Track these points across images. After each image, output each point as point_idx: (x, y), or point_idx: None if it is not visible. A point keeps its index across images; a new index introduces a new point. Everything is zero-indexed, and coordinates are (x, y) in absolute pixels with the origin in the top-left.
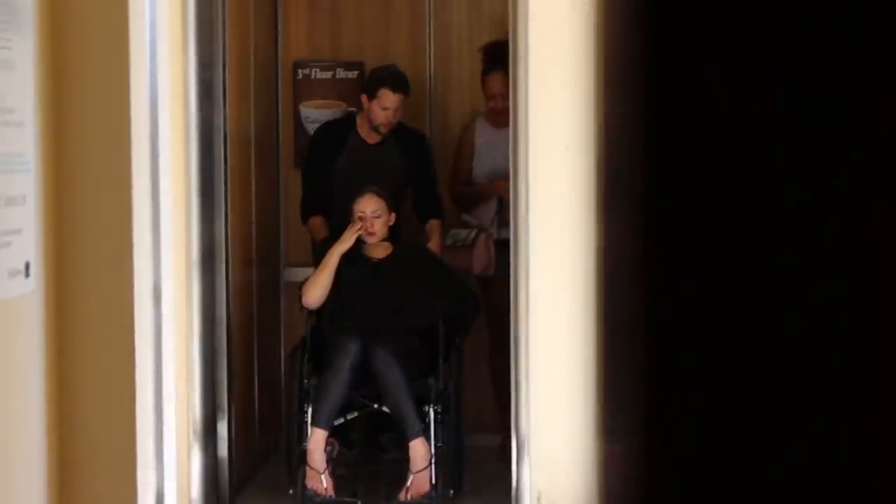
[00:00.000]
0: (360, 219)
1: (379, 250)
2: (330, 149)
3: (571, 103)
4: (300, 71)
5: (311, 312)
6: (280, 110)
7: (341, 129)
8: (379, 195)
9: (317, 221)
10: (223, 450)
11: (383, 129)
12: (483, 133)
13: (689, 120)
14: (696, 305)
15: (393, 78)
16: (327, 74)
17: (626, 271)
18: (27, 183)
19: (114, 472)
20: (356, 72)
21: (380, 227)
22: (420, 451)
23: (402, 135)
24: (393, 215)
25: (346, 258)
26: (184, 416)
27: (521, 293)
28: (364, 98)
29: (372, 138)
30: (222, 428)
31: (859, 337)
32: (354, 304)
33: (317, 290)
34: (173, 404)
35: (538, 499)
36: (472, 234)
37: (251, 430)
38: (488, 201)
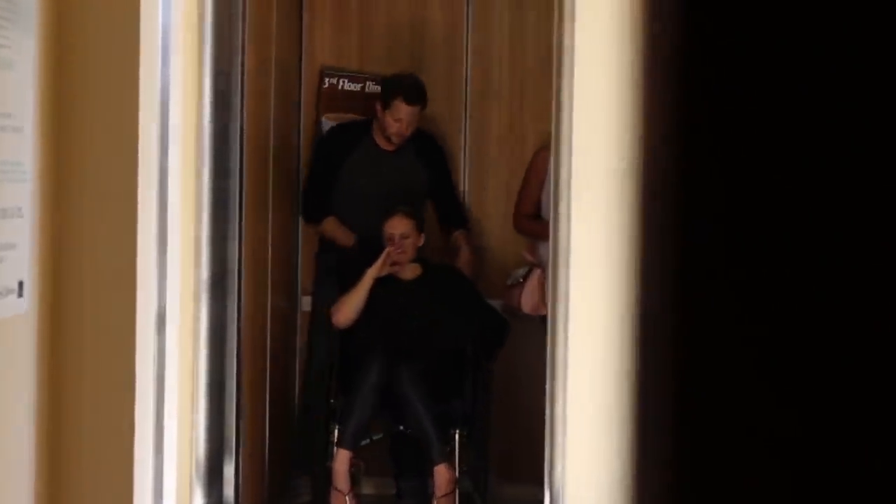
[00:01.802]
0: (390, 240)
1: (408, 271)
2: (342, 149)
3: (615, 123)
4: (327, 79)
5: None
6: (302, 121)
7: (356, 131)
8: (408, 216)
9: (333, 223)
10: (229, 493)
11: (395, 140)
12: None
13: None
14: (745, 354)
15: (408, 89)
16: (356, 86)
17: (668, 319)
18: (24, 194)
19: None
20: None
21: (409, 249)
22: (444, 475)
23: (419, 141)
24: (422, 236)
25: (377, 279)
26: (186, 455)
27: (559, 330)
28: (378, 107)
29: (386, 145)
30: (228, 469)
31: None
32: (383, 324)
33: (349, 311)
34: (175, 442)
35: None
36: (526, 271)
37: (260, 472)
38: None
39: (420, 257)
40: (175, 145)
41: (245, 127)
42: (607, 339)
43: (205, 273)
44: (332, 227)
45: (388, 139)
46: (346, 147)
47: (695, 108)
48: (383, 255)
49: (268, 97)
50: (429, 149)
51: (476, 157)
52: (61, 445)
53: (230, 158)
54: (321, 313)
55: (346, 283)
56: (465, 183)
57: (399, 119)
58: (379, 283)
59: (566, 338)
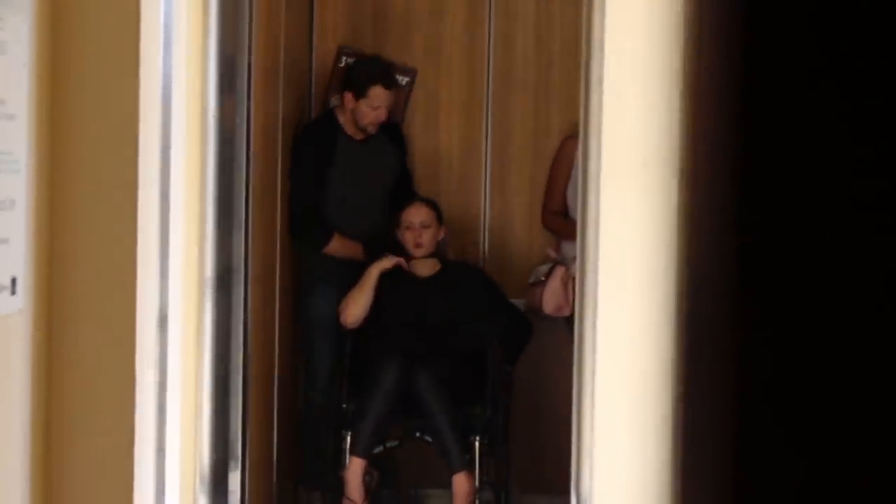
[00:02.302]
0: (408, 229)
1: (425, 268)
2: (322, 155)
3: (650, 114)
4: (344, 58)
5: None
6: (313, 111)
7: (326, 130)
8: (429, 205)
9: (339, 241)
10: (234, 503)
11: (371, 129)
12: None
13: (787, 129)
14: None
15: (385, 74)
16: None
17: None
18: (17, 186)
19: None
20: (407, 79)
21: (428, 238)
22: (463, 485)
23: (386, 126)
24: (442, 229)
25: (390, 276)
26: (190, 463)
27: (588, 332)
28: (349, 96)
29: (358, 135)
30: (234, 478)
31: None
32: (398, 325)
33: (356, 309)
34: (178, 449)
35: None
36: (549, 269)
37: (267, 481)
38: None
39: (438, 254)
40: (178, 134)
41: (252, 115)
42: (640, 341)
43: (209, 270)
44: (339, 247)
45: (363, 129)
46: (324, 151)
47: (735, 98)
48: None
49: (276, 84)
50: (398, 134)
51: (498, 149)
52: (57, 453)
53: (236, 148)
54: (320, 317)
55: (350, 283)
56: (486, 177)
57: (377, 107)
58: (393, 280)
59: (594, 339)
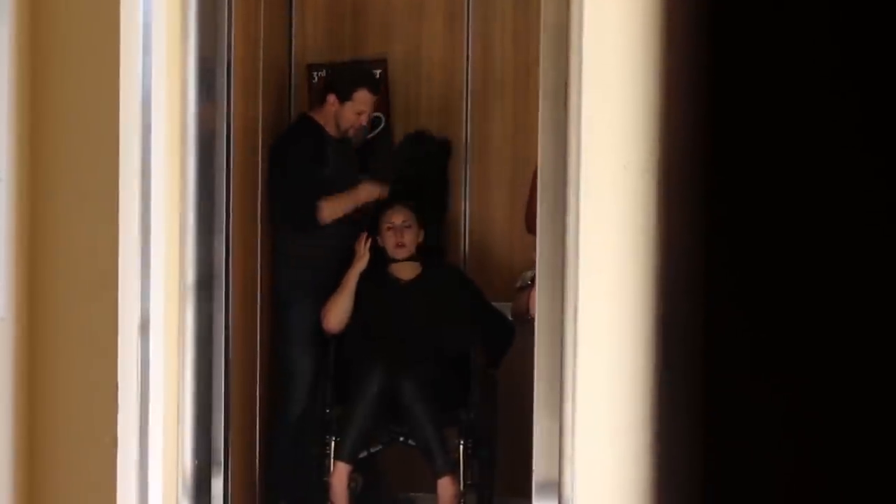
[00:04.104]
0: (389, 230)
1: (406, 271)
2: (314, 155)
3: (630, 117)
4: (315, 74)
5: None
6: (293, 117)
7: (311, 133)
8: (408, 206)
9: (334, 198)
10: None
11: (353, 133)
12: None
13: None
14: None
15: (369, 77)
16: None
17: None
18: None
19: None
20: (379, 70)
21: (410, 239)
22: (448, 489)
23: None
24: (422, 232)
25: (371, 280)
26: (172, 469)
27: (569, 335)
28: (333, 98)
29: (337, 135)
30: (217, 484)
31: None
32: (380, 329)
33: (338, 313)
34: (160, 454)
35: None
36: (535, 274)
37: (251, 487)
38: None
39: (419, 257)
40: (158, 141)
41: (232, 121)
42: (619, 343)
43: (190, 276)
44: (333, 205)
45: (343, 132)
46: (316, 152)
47: (717, 103)
48: (358, 244)
49: (256, 88)
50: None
51: (478, 151)
52: (40, 459)
53: (216, 155)
54: (300, 326)
55: (329, 291)
56: (466, 179)
57: (361, 111)
58: (374, 284)
59: (575, 342)
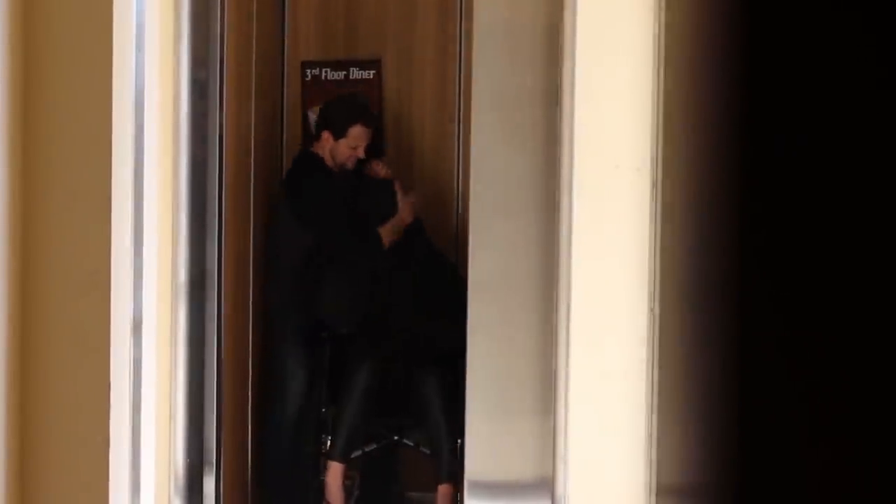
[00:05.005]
0: (354, 149)
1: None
2: (332, 191)
3: (622, 116)
4: (309, 71)
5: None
6: (286, 117)
7: (317, 169)
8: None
9: (388, 229)
10: None
11: (350, 165)
12: None
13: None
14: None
15: (365, 111)
16: (339, 75)
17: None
18: None
19: None
20: (373, 71)
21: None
22: (447, 497)
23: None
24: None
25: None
26: (165, 468)
27: (561, 331)
28: (328, 135)
29: (335, 168)
30: (209, 484)
31: None
32: (370, 325)
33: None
34: (153, 454)
35: None
36: None
37: (243, 486)
38: None
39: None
40: (151, 140)
41: (225, 119)
42: (612, 341)
43: (182, 275)
44: (389, 233)
45: (340, 165)
46: (332, 188)
47: (711, 99)
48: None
49: (249, 88)
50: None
51: (469, 148)
52: (32, 458)
53: (209, 153)
54: (293, 325)
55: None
56: (459, 178)
57: (357, 147)
58: (367, 277)
59: (567, 340)
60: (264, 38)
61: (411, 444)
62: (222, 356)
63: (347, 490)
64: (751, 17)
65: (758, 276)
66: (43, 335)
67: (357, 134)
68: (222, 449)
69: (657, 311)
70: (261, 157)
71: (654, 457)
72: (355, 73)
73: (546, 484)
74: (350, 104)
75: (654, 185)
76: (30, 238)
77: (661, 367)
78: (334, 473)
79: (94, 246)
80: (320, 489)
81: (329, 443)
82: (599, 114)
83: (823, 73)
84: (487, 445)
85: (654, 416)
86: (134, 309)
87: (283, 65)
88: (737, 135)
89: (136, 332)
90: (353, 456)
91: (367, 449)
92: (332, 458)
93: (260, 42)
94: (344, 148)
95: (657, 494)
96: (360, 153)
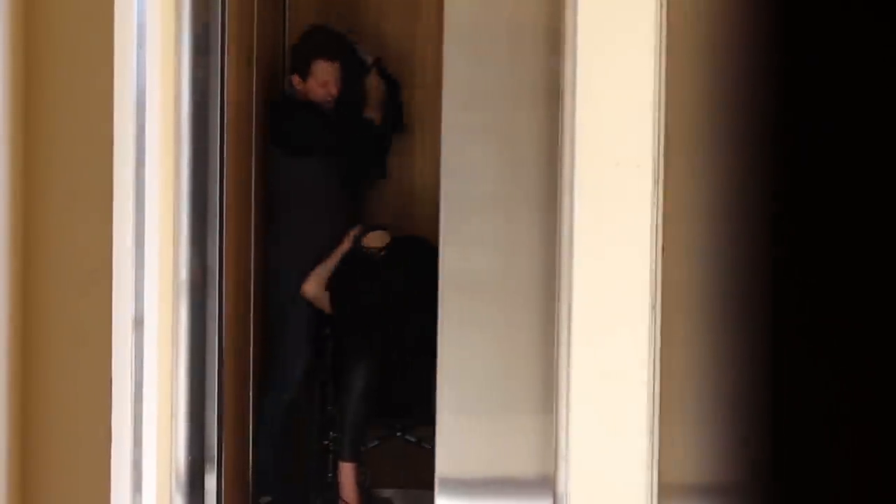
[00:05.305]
0: (325, 86)
1: (375, 238)
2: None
3: (623, 114)
4: None
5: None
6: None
7: (296, 107)
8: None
9: None
10: None
11: (328, 106)
12: None
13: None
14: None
15: (325, 45)
16: None
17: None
18: None
19: None
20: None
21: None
22: None
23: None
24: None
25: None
26: (166, 465)
27: (563, 330)
28: (297, 78)
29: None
30: (210, 481)
31: None
32: (363, 317)
33: (316, 279)
34: (154, 451)
35: None
36: None
37: (244, 483)
38: None
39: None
40: (152, 138)
41: (227, 118)
42: (614, 338)
43: (184, 273)
44: None
45: (322, 104)
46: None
47: (715, 93)
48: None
49: (250, 85)
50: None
51: None
52: (33, 457)
53: (210, 152)
54: (296, 311)
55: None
56: None
57: (325, 82)
58: (352, 265)
59: (569, 337)
60: (266, 36)
61: (413, 440)
62: (223, 354)
63: (361, 486)
64: (766, 13)
65: (785, 278)
66: (44, 333)
67: (321, 69)
68: (223, 446)
69: (658, 309)
70: (263, 156)
71: (656, 455)
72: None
73: (548, 482)
74: (313, 39)
75: (655, 182)
76: (31, 237)
77: (673, 367)
78: (347, 473)
79: (96, 244)
80: (333, 487)
81: (337, 442)
82: (599, 111)
83: (835, 68)
84: (458, 441)
85: (657, 415)
86: (135, 307)
87: (284, 62)
88: (755, 132)
89: (138, 330)
90: (361, 451)
91: (371, 445)
92: (343, 459)
93: (261, 40)
94: (313, 86)
95: (677, 494)
96: (332, 90)
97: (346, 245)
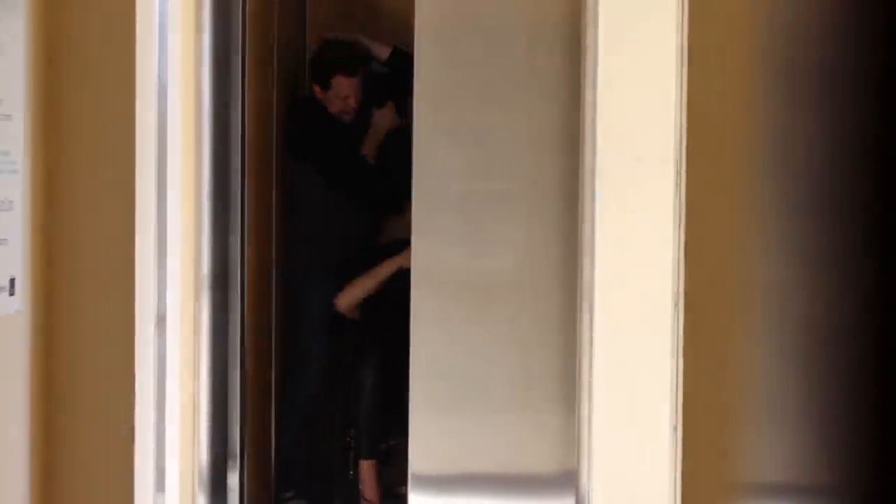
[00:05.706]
0: (345, 100)
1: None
2: (321, 129)
3: (645, 110)
4: None
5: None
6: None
7: (316, 115)
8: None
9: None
10: (234, 502)
11: (347, 118)
12: None
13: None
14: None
15: (345, 61)
16: None
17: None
18: (14, 186)
19: None
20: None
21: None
22: None
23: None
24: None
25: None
26: (189, 462)
27: (584, 329)
28: (317, 88)
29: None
30: (233, 478)
31: None
32: (375, 316)
33: (356, 293)
34: (177, 449)
35: None
36: None
37: (267, 480)
38: None
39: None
40: (174, 135)
41: (247, 114)
42: (637, 334)
43: (206, 270)
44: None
45: (339, 116)
46: (321, 128)
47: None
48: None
49: (271, 78)
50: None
51: None
52: (57, 454)
53: (231, 149)
54: (318, 311)
55: (351, 276)
56: None
57: (345, 96)
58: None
59: (591, 334)
60: (286, 29)
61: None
62: (245, 350)
63: (382, 484)
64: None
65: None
66: (68, 329)
67: (339, 84)
68: (246, 442)
69: (681, 304)
70: (283, 154)
71: (679, 451)
72: (377, 66)
73: (570, 478)
74: (332, 52)
75: (678, 177)
76: (56, 235)
77: (687, 360)
78: (367, 471)
79: (119, 241)
80: (355, 484)
81: (355, 439)
82: (621, 106)
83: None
84: (432, 439)
85: (680, 410)
86: (158, 303)
87: (305, 55)
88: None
89: (161, 327)
90: (381, 449)
91: (391, 444)
92: (361, 457)
93: (282, 33)
94: (334, 99)
95: (759, 494)
96: (352, 103)
97: (386, 271)
